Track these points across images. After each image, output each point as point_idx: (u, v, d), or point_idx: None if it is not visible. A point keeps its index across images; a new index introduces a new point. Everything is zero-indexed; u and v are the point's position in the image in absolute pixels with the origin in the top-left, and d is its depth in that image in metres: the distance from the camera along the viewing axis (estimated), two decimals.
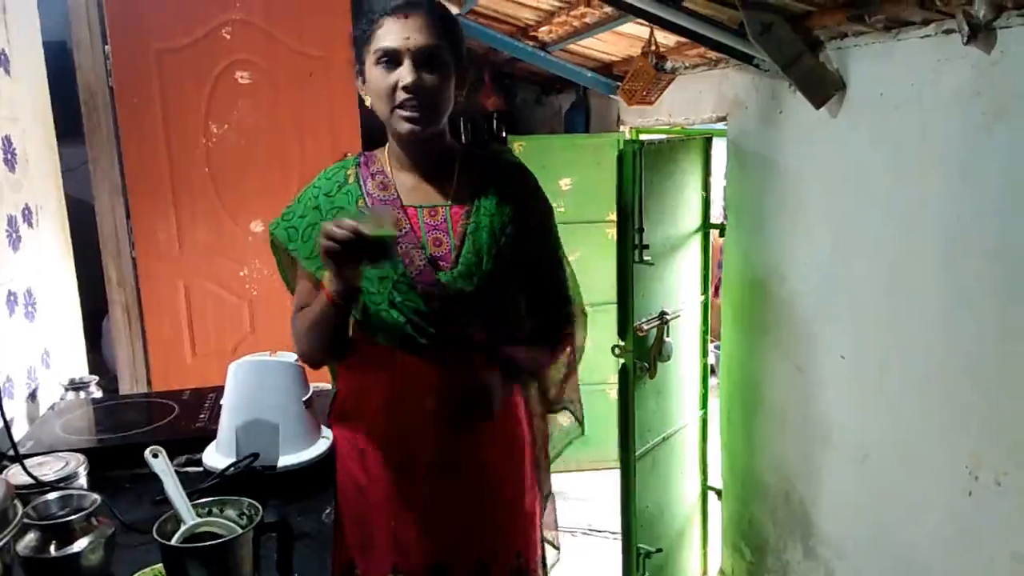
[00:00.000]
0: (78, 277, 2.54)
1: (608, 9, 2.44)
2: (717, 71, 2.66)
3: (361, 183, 1.43)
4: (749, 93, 2.46)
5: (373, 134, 1.51)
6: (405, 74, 1.30)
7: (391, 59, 1.31)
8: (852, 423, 2.02)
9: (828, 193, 2.07)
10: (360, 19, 1.37)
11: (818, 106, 1.97)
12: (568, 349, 1.59)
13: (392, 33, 1.30)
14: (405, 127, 1.33)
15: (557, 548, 1.72)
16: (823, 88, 1.94)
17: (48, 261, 2.26)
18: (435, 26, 1.32)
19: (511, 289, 1.45)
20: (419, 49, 1.30)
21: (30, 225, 2.13)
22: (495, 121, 4.59)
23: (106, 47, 2.98)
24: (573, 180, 3.55)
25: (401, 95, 1.31)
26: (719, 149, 2.73)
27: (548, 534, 1.68)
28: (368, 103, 1.40)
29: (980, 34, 1.43)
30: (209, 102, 3.15)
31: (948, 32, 1.55)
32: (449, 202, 1.42)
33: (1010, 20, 1.38)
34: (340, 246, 1.19)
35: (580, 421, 1.67)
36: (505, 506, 1.50)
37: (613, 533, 3.08)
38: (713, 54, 2.49)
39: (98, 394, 2.11)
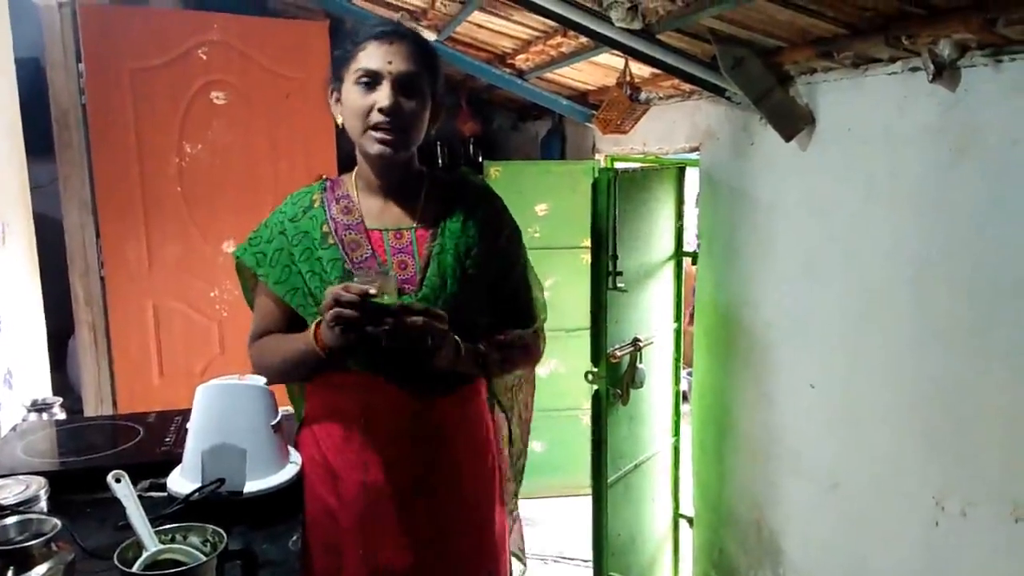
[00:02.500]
0: (45, 295, 2.49)
1: (584, 39, 2.48)
2: (690, 102, 2.70)
3: (326, 208, 1.43)
4: (721, 125, 2.50)
5: (349, 157, 1.51)
6: (383, 97, 1.31)
7: (371, 80, 1.33)
8: (821, 452, 2.04)
9: (798, 224, 2.10)
10: (344, 40, 1.39)
11: (788, 139, 2.00)
12: (533, 361, 1.60)
13: (375, 55, 1.32)
14: (376, 148, 1.34)
15: (524, 563, 1.73)
16: (793, 121, 1.98)
17: (14, 279, 2.22)
18: (417, 56, 1.35)
19: (476, 312, 1.45)
20: (399, 74, 1.32)
21: None
22: (471, 146, 4.61)
23: (80, 65, 2.96)
24: (548, 206, 3.58)
25: (376, 117, 1.32)
26: (692, 178, 2.77)
27: (515, 548, 1.69)
28: (340, 123, 1.40)
29: (945, 72, 1.47)
30: (183, 122, 3.14)
31: (914, 70, 1.59)
32: (415, 225, 1.42)
33: (973, 60, 1.43)
34: (350, 310, 1.21)
35: (509, 432, 1.68)
36: (476, 527, 1.50)
37: (584, 560, 3.06)
38: (686, 86, 2.53)
39: (62, 415, 2.07)
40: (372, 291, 1.22)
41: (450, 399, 1.44)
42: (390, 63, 1.32)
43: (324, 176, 1.55)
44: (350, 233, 1.41)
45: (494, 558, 1.52)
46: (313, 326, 1.34)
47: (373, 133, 1.33)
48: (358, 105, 1.33)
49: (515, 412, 1.67)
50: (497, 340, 1.46)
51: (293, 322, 1.43)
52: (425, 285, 1.38)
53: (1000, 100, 1.40)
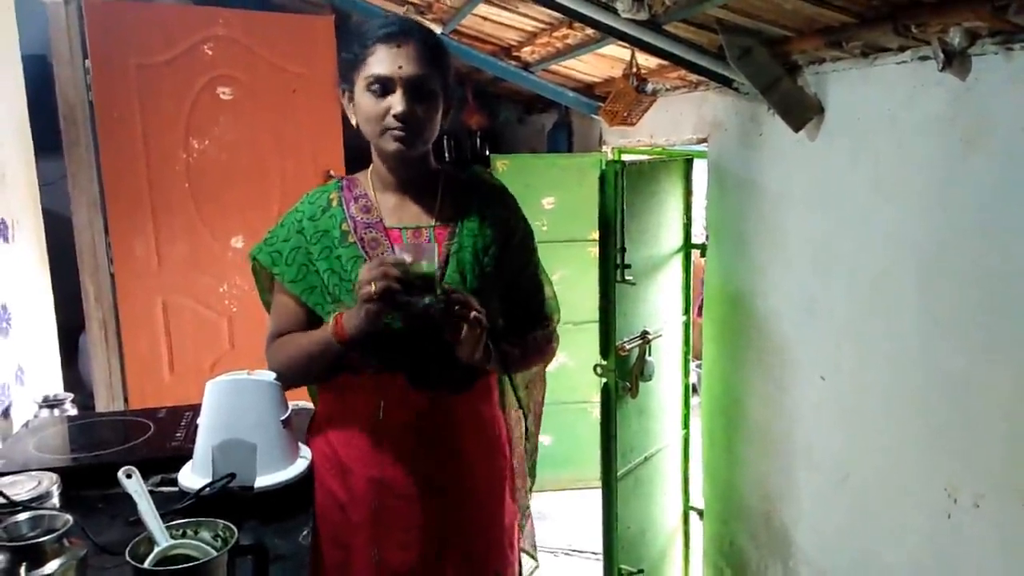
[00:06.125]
0: (55, 292, 2.50)
1: (590, 31, 2.47)
2: (697, 93, 2.69)
3: (344, 206, 1.43)
4: (729, 115, 2.49)
5: (355, 152, 1.51)
6: (396, 103, 1.31)
7: (383, 86, 1.32)
8: (832, 444, 2.03)
9: (807, 215, 2.09)
10: (351, 42, 1.38)
11: (797, 129, 1.99)
12: (547, 359, 1.63)
13: (385, 60, 1.31)
14: (394, 145, 1.34)
15: (535, 559, 1.73)
16: (802, 112, 1.97)
17: (24, 276, 2.23)
18: (426, 56, 1.33)
19: (492, 309, 1.45)
20: (411, 78, 1.31)
21: (6, 240, 2.11)
22: (478, 139, 4.60)
23: (86, 61, 2.97)
24: (556, 199, 3.57)
25: (391, 122, 1.32)
26: (700, 170, 2.76)
27: (527, 545, 1.70)
28: (354, 123, 1.40)
29: (955, 61, 1.46)
30: (190, 117, 3.14)
31: (924, 59, 1.58)
32: (433, 223, 1.42)
33: (984, 48, 1.41)
34: (396, 285, 1.21)
35: (525, 428, 1.70)
36: (484, 526, 1.50)
37: (595, 553, 3.06)
38: (693, 77, 2.52)
39: (73, 412, 2.08)
40: (408, 258, 1.23)
41: (463, 397, 1.44)
42: (400, 67, 1.30)
43: (330, 171, 1.55)
44: (370, 232, 1.41)
45: (501, 557, 1.52)
46: (333, 319, 1.34)
47: (390, 134, 1.33)
48: (372, 111, 1.33)
49: (531, 408, 1.68)
50: (516, 339, 1.49)
51: (312, 322, 1.43)
52: (444, 282, 1.39)
53: (1011, 89, 1.39)
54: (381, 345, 1.36)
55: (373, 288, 1.22)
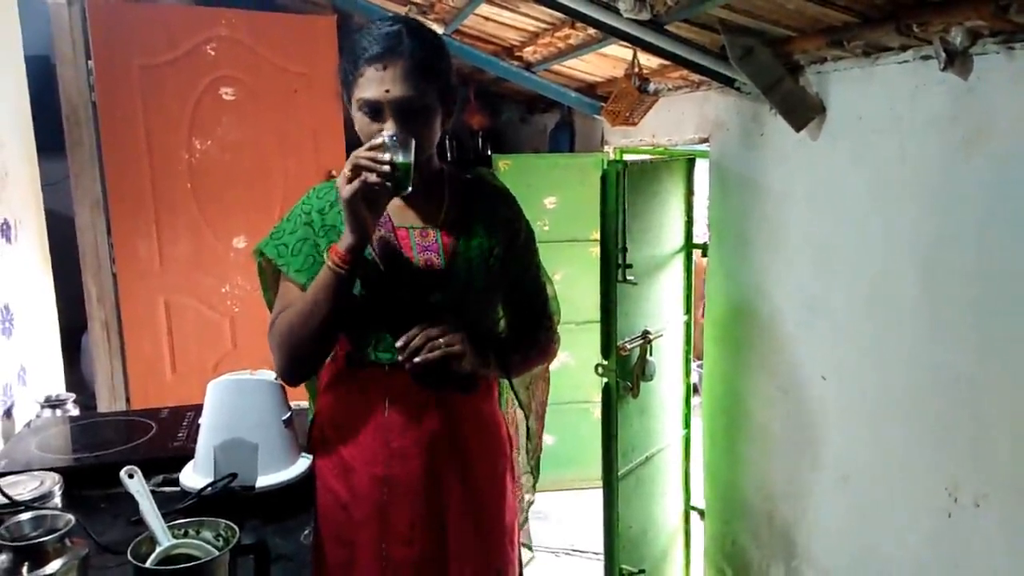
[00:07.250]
0: (57, 293, 2.51)
1: (592, 31, 2.47)
2: (699, 93, 2.69)
3: None
4: (731, 115, 2.49)
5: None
6: (387, 127, 1.30)
7: (372, 109, 1.31)
8: (834, 444, 2.03)
9: (809, 214, 2.09)
10: (344, 57, 1.37)
11: (798, 129, 1.99)
12: (549, 359, 1.64)
13: (372, 84, 1.29)
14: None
15: (531, 549, 1.74)
16: (803, 111, 1.97)
17: (27, 276, 2.23)
18: (416, 72, 1.30)
19: (497, 311, 1.48)
20: (398, 101, 1.29)
21: (8, 240, 2.11)
22: (480, 139, 4.60)
23: (89, 62, 2.97)
24: (557, 199, 3.57)
25: None
26: (702, 170, 2.76)
27: (524, 539, 1.71)
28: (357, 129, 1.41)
29: (957, 60, 1.46)
30: (192, 118, 3.15)
31: (926, 58, 1.58)
32: (440, 223, 1.43)
33: (986, 47, 1.41)
34: (364, 161, 1.22)
35: (527, 428, 1.71)
36: (486, 523, 1.50)
37: (596, 553, 3.06)
38: (695, 76, 2.52)
39: (75, 412, 2.09)
40: (376, 141, 1.24)
41: (467, 397, 1.45)
42: (387, 91, 1.28)
43: (332, 171, 1.56)
44: (378, 230, 1.40)
45: (503, 555, 1.53)
46: (329, 250, 1.33)
47: None
48: (366, 131, 1.33)
49: (532, 408, 1.69)
50: (517, 342, 1.51)
51: None
52: (452, 281, 1.39)
53: (1012, 88, 1.39)
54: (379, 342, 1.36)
55: (347, 169, 1.24)
